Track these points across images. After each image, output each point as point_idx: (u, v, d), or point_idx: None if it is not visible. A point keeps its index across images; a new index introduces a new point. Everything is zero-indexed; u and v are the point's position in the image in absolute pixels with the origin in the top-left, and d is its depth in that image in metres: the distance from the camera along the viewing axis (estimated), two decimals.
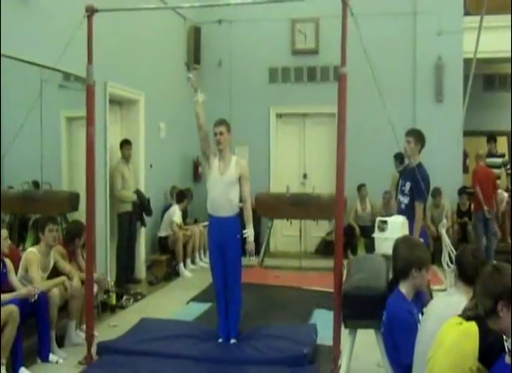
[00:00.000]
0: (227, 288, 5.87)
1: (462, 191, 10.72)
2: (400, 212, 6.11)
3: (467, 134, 11.03)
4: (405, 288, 3.90)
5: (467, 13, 10.88)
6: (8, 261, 5.66)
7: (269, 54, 11.71)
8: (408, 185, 6.25)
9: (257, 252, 10.15)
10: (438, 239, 7.39)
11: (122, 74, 8.56)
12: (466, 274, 3.50)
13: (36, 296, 5.43)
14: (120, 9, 6.79)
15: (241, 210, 6.00)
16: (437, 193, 9.98)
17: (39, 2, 6.59)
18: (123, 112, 9.37)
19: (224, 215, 5.79)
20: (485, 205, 9.82)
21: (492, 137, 11.20)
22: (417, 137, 6.40)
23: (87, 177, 5.47)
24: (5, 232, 5.65)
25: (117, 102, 8.98)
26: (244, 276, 6.15)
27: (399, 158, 9.17)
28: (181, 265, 9.58)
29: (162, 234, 9.78)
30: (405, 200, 6.28)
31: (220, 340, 5.85)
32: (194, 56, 11.23)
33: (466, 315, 2.98)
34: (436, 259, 6.61)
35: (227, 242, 5.79)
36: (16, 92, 6.89)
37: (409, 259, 3.90)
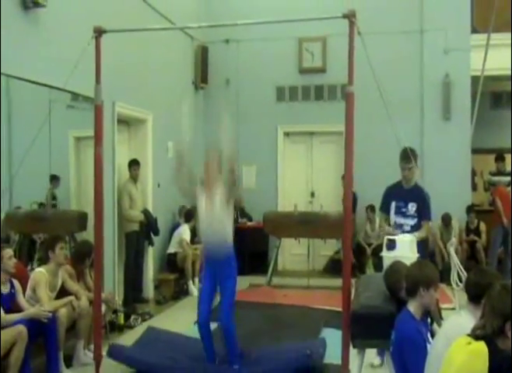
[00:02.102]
0: (220, 321, 5.72)
1: (471, 209, 10.69)
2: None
3: (475, 151, 11.02)
4: (413, 307, 3.88)
5: (474, 31, 10.91)
6: (16, 281, 5.67)
7: (276, 73, 11.75)
8: (412, 206, 6.20)
9: (265, 271, 10.17)
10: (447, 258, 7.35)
11: (130, 93, 8.60)
12: (475, 294, 3.48)
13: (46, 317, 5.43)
14: (128, 30, 6.85)
15: None
16: (448, 219, 9.92)
17: (48, 23, 6.65)
18: (131, 131, 9.40)
19: (218, 257, 5.59)
20: (505, 218, 9.80)
21: (500, 156, 11.18)
22: (415, 158, 6.30)
23: (95, 197, 5.47)
24: (9, 252, 5.63)
25: (125, 121, 9.02)
26: (252, 295, 6.16)
27: None
28: (190, 282, 9.56)
29: (171, 250, 9.77)
30: (410, 221, 6.21)
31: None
32: (202, 75, 11.28)
33: (475, 335, 2.95)
34: (445, 277, 6.56)
35: (222, 279, 5.69)
36: (25, 113, 6.93)
37: (417, 277, 3.89)
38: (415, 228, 6.15)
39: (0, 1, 5.73)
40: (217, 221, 5.47)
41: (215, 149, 5.72)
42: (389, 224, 6.32)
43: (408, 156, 6.21)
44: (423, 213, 6.19)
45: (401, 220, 6.27)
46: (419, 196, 6.23)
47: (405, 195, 6.30)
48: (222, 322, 5.64)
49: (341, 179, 11.15)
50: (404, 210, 6.23)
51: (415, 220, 6.19)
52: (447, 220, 9.97)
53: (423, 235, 6.19)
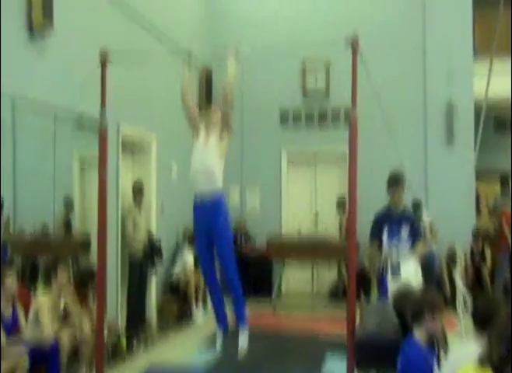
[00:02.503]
0: (224, 278, 5.35)
1: (476, 234, 10.64)
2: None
3: (478, 175, 11.00)
4: (418, 334, 3.83)
5: (476, 55, 10.95)
6: (18, 306, 5.64)
7: (280, 96, 11.79)
8: (406, 229, 6.16)
9: (269, 294, 10.13)
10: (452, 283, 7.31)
11: (135, 115, 8.62)
12: (481, 321, 3.45)
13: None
14: (134, 52, 6.89)
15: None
16: (453, 255, 9.82)
17: (55, 45, 6.68)
18: (135, 153, 9.40)
19: (206, 192, 5.18)
20: None
21: (504, 180, 11.15)
22: (403, 183, 6.29)
23: (99, 221, 5.45)
24: (12, 276, 5.59)
25: (129, 143, 9.02)
26: (256, 319, 6.07)
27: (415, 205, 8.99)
28: (194, 307, 9.51)
29: (174, 275, 9.73)
30: (405, 244, 6.17)
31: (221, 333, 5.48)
32: (206, 97, 11.30)
33: (481, 363, 2.91)
34: (450, 303, 6.53)
35: (213, 229, 5.22)
36: (31, 134, 6.93)
37: (422, 303, 3.86)
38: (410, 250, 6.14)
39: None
40: (209, 162, 5.19)
41: (219, 104, 5.56)
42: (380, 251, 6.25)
43: (396, 181, 6.26)
44: (416, 233, 6.20)
45: (395, 244, 6.21)
46: (410, 219, 6.24)
47: (397, 219, 6.25)
48: (232, 283, 5.28)
49: (336, 207, 11.14)
50: (397, 234, 6.18)
51: (410, 242, 6.17)
52: (452, 256, 9.84)
53: (421, 251, 6.18)
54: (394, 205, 6.32)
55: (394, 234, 6.17)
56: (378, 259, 6.31)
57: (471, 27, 11.04)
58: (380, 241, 6.23)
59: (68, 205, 7.67)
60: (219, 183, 5.22)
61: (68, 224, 7.62)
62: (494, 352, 2.82)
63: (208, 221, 5.17)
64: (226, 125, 5.27)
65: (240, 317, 5.33)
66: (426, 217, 6.98)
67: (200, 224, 5.27)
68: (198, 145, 5.28)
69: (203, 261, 5.42)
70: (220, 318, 5.46)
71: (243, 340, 5.27)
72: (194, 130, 5.39)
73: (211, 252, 5.30)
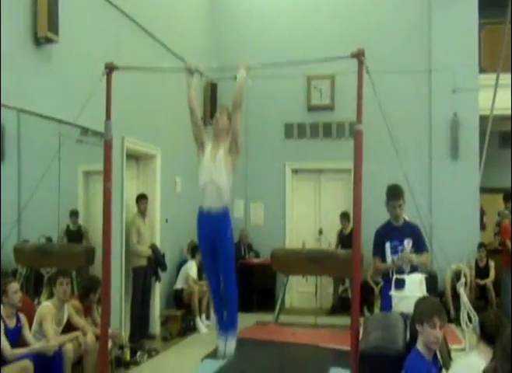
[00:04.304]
0: (222, 283, 5.32)
1: (480, 247, 10.63)
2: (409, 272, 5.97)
3: (483, 190, 11.00)
4: (421, 346, 3.82)
5: (482, 71, 10.98)
6: (22, 316, 5.64)
7: (285, 110, 11.84)
8: (408, 242, 6.08)
9: (273, 308, 10.10)
10: (456, 297, 7.27)
11: (139, 129, 8.66)
12: (487, 335, 3.44)
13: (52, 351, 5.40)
14: (139, 68, 6.92)
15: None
16: (458, 270, 9.73)
17: (60, 59, 6.73)
18: (139, 166, 9.45)
19: (213, 207, 5.14)
20: None
21: (508, 196, 11.14)
22: (403, 196, 6.20)
23: (104, 232, 5.44)
24: (15, 286, 5.61)
25: (133, 157, 9.06)
26: (259, 333, 6.07)
27: None
28: (198, 319, 9.51)
29: (177, 287, 9.75)
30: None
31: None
32: (211, 111, 11.32)
33: None
34: (454, 318, 6.50)
35: (218, 239, 5.22)
36: (35, 147, 6.97)
37: (414, 314, 3.86)
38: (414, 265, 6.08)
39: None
40: (218, 177, 5.13)
41: (226, 106, 5.53)
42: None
43: (396, 193, 6.18)
44: (420, 246, 6.13)
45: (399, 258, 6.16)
46: (413, 231, 6.15)
47: (399, 233, 6.15)
48: (229, 295, 5.31)
49: (339, 218, 11.14)
50: (400, 248, 6.06)
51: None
52: (456, 271, 9.76)
53: (424, 260, 6.12)
54: (395, 218, 6.26)
55: (396, 249, 6.12)
56: (381, 274, 6.28)
57: (477, 42, 11.11)
58: (384, 258, 6.19)
59: (73, 215, 7.72)
60: (227, 197, 5.22)
61: (75, 234, 7.68)
62: (499, 367, 2.81)
63: (214, 232, 5.18)
64: (234, 142, 5.27)
65: (232, 325, 5.38)
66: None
67: (205, 233, 5.26)
68: (205, 159, 5.24)
69: (208, 270, 5.43)
70: (223, 325, 5.45)
71: (231, 345, 5.34)
72: (199, 143, 5.33)
73: (215, 260, 5.28)
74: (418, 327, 3.78)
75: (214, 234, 5.21)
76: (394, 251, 6.10)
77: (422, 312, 3.82)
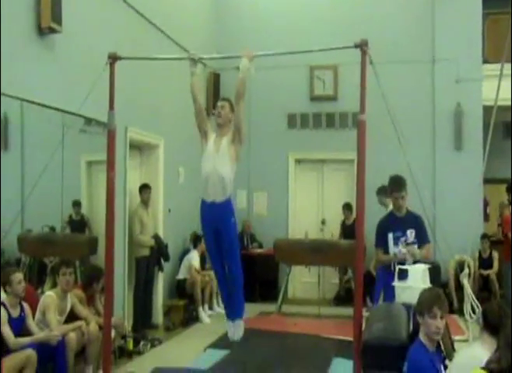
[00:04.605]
0: (227, 270, 5.40)
1: (484, 238, 10.62)
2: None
3: (487, 181, 10.97)
4: (423, 337, 3.82)
5: (485, 61, 10.95)
6: (26, 305, 5.66)
7: (288, 101, 11.81)
8: (411, 232, 6.09)
9: (275, 298, 10.13)
10: (460, 289, 7.27)
11: (142, 119, 8.65)
12: (491, 325, 3.44)
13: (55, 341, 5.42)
14: (142, 58, 6.90)
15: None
16: (461, 261, 9.71)
17: (63, 49, 6.72)
18: (143, 157, 9.44)
19: (216, 197, 5.18)
20: None
21: (510, 187, 11.11)
22: (406, 187, 6.22)
23: (107, 222, 5.45)
24: (19, 275, 5.62)
25: (136, 147, 9.05)
26: (262, 323, 6.09)
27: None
28: (200, 309, 9.53)
29: (180, 277, 9.76)
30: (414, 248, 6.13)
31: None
32: (214, 102, 11.29)
33: (489, 368, 2.91)
34: (457, 308, 6.50)
35: (221, 227, 5.25)
36: (38, 137, 6.97)
37: (415, 306, 3.86)
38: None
39: None
40: (221, 167, 5.17)
41: (227, 97, 5.52)
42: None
43: (399, 184, 6.19)
44: (422, 237, 6.13)
45: (401, 249, 6.12)
46: (416, 221, 6.16)
47: (402, 223, 6.17)
48: (234, 278, 5.37)
49: (342, 209, 11.14)
50: (403, 239, 6.08)
51: (416, 246, 6.11)
52: (460, 262, 9.75)
53: (425, 254, 6.13)
54: (398, 209, 6.27)
55: (399, 240, 6.13)
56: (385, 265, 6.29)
57: (481, 33, 11.06)
58: (386, 249, 6.20)
59: (76, 206, 7.74)
60: (230, 188, 5.23)
61: (78, 223, 7.70)
62: (503, 358, 2.82)
63: (217, 221, 5.21)
64: (238, 131, 5.26)
65: (239, 310, 5.47)
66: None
67: (209, 222, 5.29)
68: (208, 149, 5.25)
69: (213, 258, 5.46)
70: (230, 310, 5.56)
71: (239, 329, 5.44)
72: (203, 132, 5.35)
73: (219, 248, 5.32)
74: (419, 318, 3.77)
75: (217, 222, 5.22)
76: (397, 242, 6.11)
77: (422, 303, 3.81)
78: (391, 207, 6.52)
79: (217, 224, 5.24)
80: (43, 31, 6.34)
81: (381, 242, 6.25)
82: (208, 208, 5.26)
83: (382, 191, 7.88)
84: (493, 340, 3.30)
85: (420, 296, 3.89)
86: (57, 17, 6.37)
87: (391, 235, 6.15)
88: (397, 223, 6.21)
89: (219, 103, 5.33)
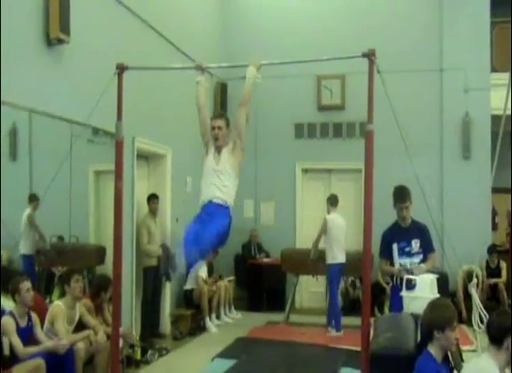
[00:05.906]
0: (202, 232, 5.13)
1: (492, 248, 10.58)
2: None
3: (495, 190, 10.94)
4: (433, 349, 3.80)
5: (494, 70, 10.94)
6: (34, 314, 5.67)
7: (295, 110, 11.82)
8: (416, 242, 6.08)
9: (283, 308, 10.11)
10: (468, 298, 7.24)
11: (150, 129, 8.67)
12: (496, 336, 3.42)
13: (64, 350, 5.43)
14: (149, 68, 6.92)
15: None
16: (469, 270, 9.67)
17: (71, 59, 6.74)
18: (150, 166, 9.46)
19: (215, 200, 5.12)
20: None
21: None
22: (410, 197, 6.21)
23: (115, 231, 5.46)
24: (27, 284, 5.63)
25: (144, 156, 9.08)
26: (269, 332, 6.07)
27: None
28: (207, 319, 9.52)
29: (187, 287, 9.76)
30: (416, 259, 6.06)
31: None
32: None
33: None
34: (466, 318, 6.46)
35: (215, 216, 5.16)
36: (47, 147, 6.99)
37: (430, 320, 3.82)
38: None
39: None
40: (220, 178, 5.11)
41: (221, 112, 5.42)
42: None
43: (403, 195, 6.19)
44: (427, 246, 6.12)
45: (406, 260, 6.10)
46: (420, 231, 6.15)
47: (406, 234, 6.17)
48: (205, 236, 5.09)
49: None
50: (408, 249, 6.09)
51: (421, 256, 6.08)
52: (468, 271, 9.70)
53: (431, 266, 6.11)
54: (402, 219, 6.26)
55: (404, 250, 6.11)
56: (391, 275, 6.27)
57: (489, 41, 11.05)
58: (391, 260, 6.18)
59: None
60: (230, 199, 5.15)
61: None
62: None
63: (213, 213, 5.12)
64: (238, 138, 5.22)
65: (201, 257, 5.36)
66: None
67: (204, 214, 5.23)
68: (208, 164, 5.16)
69: (192, 227, 5.26)
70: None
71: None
72: (205, 142, 5.28)
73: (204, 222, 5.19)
74: (437, 333, 3.74)
75: (211, 217, 5.13)
76: (402, 253, 6.10)
77: (444, 318, 3.78)
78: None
79: (212, 217, 5.12)
80: (52, 41, 6.36)
81: (385, 253, 6.24)
82: (208, 207, 5.19)
83: None
84: (500, 351, 3.28)
85: (434, 310, 3.87)
86: (65, 28, 6.40)
87: (395, 246, 6.14)
88: (401, 233, 6.20)
89: (215, 124, 5.16)
